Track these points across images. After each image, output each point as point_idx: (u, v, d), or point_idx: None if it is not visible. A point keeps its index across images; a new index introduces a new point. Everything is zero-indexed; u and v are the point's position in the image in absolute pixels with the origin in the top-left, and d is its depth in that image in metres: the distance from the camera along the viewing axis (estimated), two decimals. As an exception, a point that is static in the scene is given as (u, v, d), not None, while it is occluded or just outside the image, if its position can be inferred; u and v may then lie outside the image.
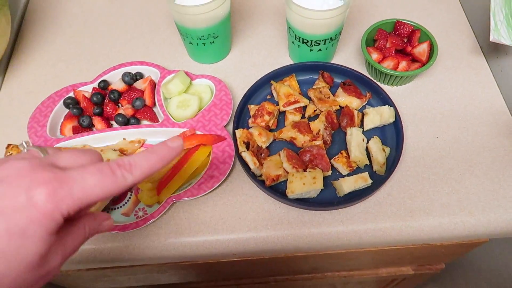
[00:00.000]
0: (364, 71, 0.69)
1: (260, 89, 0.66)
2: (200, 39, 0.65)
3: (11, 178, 0.27)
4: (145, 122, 0.65)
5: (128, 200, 0.58)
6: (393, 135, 0.60)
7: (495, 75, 0.67)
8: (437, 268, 0.81)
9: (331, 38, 0.62)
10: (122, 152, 0.60)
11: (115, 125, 0.64)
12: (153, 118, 0.64)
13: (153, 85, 0.66)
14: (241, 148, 0.57)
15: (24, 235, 0.26)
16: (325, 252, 0.62)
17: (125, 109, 0.64)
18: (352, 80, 0.65)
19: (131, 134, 0.62)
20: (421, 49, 0.63)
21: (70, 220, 0.31)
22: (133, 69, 0.67)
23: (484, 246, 0.82)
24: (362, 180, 0.55)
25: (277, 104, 0.63)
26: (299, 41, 0.63)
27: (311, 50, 0.64)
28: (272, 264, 0.70)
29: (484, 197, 0.55)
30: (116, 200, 0.58)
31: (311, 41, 0.62)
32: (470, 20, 0.74)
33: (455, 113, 0.63)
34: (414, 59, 0.64)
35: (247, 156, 0.57)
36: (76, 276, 0.71)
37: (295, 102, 0.61)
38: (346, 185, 0.55)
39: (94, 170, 0.29)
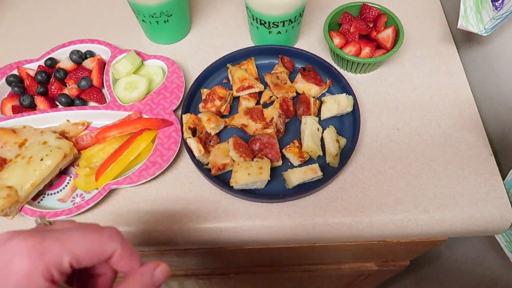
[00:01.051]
0: (328, 57, 0.65)
1: (215, 73, 0.62)
2: (153, 17, 0.61)
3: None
4: (92, 103, 0.61)
5: (66, 185, 0.55)
6: (351, 125, 0.57)
7: (465, 65, 0.63)
8: (402, 264, 0.78)
9: (290, 20, 0.58)
10: (63, 134, 0.57)
11: (60, 106, 0.60)
12: (100, 100, 0.60)
13: (102, 65, 0.62)
14: (186, 134, 0.54)
15: None
16: (276, 246, 0.59)
17: (70, 89, 0.60)
18: (314, 66, 0.62)
19: (75, 115, 0.58)
20: (385, 35, 0.59)
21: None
22: (83, 47, 0.63)
23: (454, 242, 0.80)
24: (312, 172, 0.52)
25: (231, 88, 0.60)
26: (257, 22, 0.59)
27: (269, 32, 0.60)
28: (226, 255, 0.67)
29: (441, 194, 0.52)
30: (53, 185, 0.55)
31: (269, 22, 0.58)
32: (444, 5, 0.70)
33: (419, 103, 0.60)
34: (379, 46, 0.61)
35: (192, 142, 0.53)
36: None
37: (249, 87, 0.58)
38: (295, 176, 0.51)
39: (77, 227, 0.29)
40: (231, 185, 0.50)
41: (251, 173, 0.50)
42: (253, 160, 0.52)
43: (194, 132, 0.55)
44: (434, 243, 0.61)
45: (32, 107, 0.59)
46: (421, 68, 0.63)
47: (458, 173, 0.54)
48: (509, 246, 0.56)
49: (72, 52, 0.61)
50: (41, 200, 0.54)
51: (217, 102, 0.57)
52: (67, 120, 0.59)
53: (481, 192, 0.52)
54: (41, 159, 0.51)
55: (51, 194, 0.54)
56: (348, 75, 0.63)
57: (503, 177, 0.53)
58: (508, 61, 0.56)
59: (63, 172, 0.56)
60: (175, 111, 0.58)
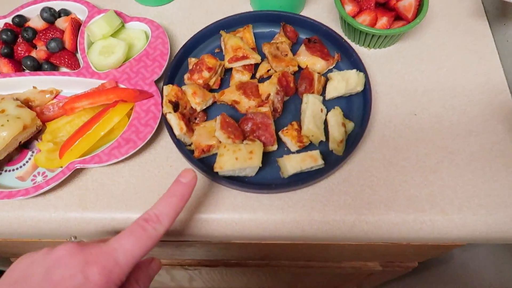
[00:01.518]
0: (338, 28, 0.56)
1: (207, 40, 0.54)
2: (137, -29, 0.52)
3: (65, 259, 0.31)
4: (63, 69, 0.53)
5: (27, 161, 0.48)
6: (360, 107, 0.49)
7: (498, 45, 0.54)
8: (409, 266, 0.71)
9: (295, -20, 0.49)
10: (27, 103, 0.49)
11: (27, 70, 0.53)
12: (73, 65, 0.52)
13: (77, 25, 0.54)
14: (166, 108, 0.46)
15: None
16: (267, 242, 0.51)
17: (38, 51, 0.52)
18: (320, 38, 0.53)
19: (42, 81, 0.51)
20: (406, 3, 0.50)
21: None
22: (57, 5, 0.55)
23: (469, 244, 0.72)
24: (311, 160, 0.44)
25: (224, 59, 0.51)
26: (256, -19, 0.51)
27: (271, -6, 0.52)
28: (211, 248, 0.60)
29: (463, 192, 0.44)
30: (12, 160, 0.48)
31: (271, -18, 0.49)
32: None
33: (442, 86, 0.51)
34: (398, 16, 0.52)
35: (172, 118, 0.45)
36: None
37: (244, 57, 0.50)
38: (291, 164, 0.44)
39: (127, 234, 0.33)
40: (215, 170, 0.43)
41: (240, 158, 0.42)
42: (242, 143, 0.44)
43: (176, 106, 0.47)
44: (449, 247, 0.53)
45: (-7, 70, 0.51)
46: (446, 45, 0.54)
47: (485, 170, 0.45)
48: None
49: (44, 9, 0.53)
50: (-3, 177, 0.47)
51: (205, 74, 0.49)
52: (34, 87, 0.51)
53: (511, 194, 0.44)
54: (-5, 130, 0.44)
55: (10, 170, 0.47)
56: (360, 50, 0.54)
57: (538, 177, 0.45)
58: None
59: (25, 146, 0.48)
60: (156, 82, 0.50)
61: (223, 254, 0.66)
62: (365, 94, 0.48)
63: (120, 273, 0.31)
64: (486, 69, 0.52)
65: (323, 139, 0.46)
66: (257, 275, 0.99)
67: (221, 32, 0.53)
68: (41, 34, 0.53)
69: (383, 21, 0.51)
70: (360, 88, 0.48)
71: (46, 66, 0.52)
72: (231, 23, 0.54)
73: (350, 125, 0.47)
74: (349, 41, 0.55)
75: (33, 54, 0.52)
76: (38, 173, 0.47)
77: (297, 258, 0.70)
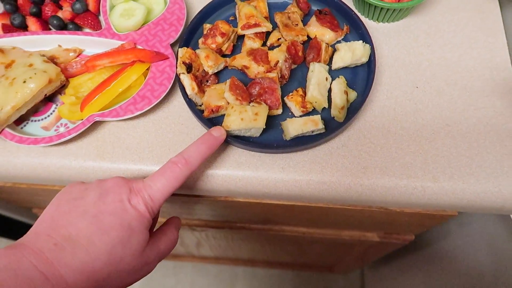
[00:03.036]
0: (349, 1, 0.58)
1: (222, 8, 0.56)
2: None
3: (114, 188, 0.38)
4: (87, 30, 0.57)
5: (51, 113, 0.52)
6: (364, 79, 0.51)
7: (506, 23, 0.55)
8: (406, 238, 0.74)
9: (309, -49, 0.51)
10: (53, 59, 0.53)
11: (53, 29, 0.56)
12: (95, 26, 0.56)
13: (100, -11, 0.57)
14: (180, 69, 0.49)
15: (131, 228, 0.36)
16: (268, 202, 0.55)
17: (64, 11, 0.56)
18: (331, 10, 0.55)
19: (67, 40, 0.54)
20: (417, -23, 0.51)
21: (160, 230, 0.43)
22: (82, -32, 0.58)
23: (465, 220, 0.74)
24: (312, 124, 0.46)
25: (237, 26, 0.54)
26: (271, -49, 0.52)
27: (285, -35, 0.53)
28: (216, 206, 0.64)
29: (456, 162, 0.47)
30: (38, 111, 0.52)
31: (284, -48, 0.51)
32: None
33: (446, 62, 0.53)
34: (409, -9, 0.53)
35: (185, 78, 0.49)
36: (12, 191, 0.67)
37: (256, 25, 0.52)
38: (293, 127, 0.47)
39: (159, 175, 0.39)
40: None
41: (245, 119, 0.45)
42: (249, 105, 0.47)
43: (189, 68, 0.50)
44: (442, 217, 0.56)
45: (23, 27, 0.55)
46: (455, 22, 0.55)
47: (479, 142, 0.48)
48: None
49: (69, -28, 0.56)
50: (25, 126, 0.51)
51: (219, 39, 0.51)
52: (59, 45, 0.55)
53: (503, 166, 0.46)
54: (24, 81, 0.48)
55: (35, 121, 0.51)
56: (369, 23, 0.56)
57: (531, 152, 0.47)
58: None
59: (50, 99, 0.52)
60: (172, 45, 0.53)
61: (227, 214, 0.70)
62: (370, 66, 0.50)
63: (154, 207, 0.38)
64: (491, 47, 0.53)
65: (326, 106, 0.49)
66: (261, 244, 1.04)
67: (236, 0, 0.55)
68: (67, -4, 0.56)
69: (393, -5, 0.52)
70: (365, 59, 0.50)
71: (70, 26, 0.55)
72: (246, -8, 0.56)
73: (353, 94, 0.49)
74: (359, 14, 0.56)
75: (59, 14, 0.55)
76: (61, 124, 0.51)
77: (298, 223, 0.73)
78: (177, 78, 0.50)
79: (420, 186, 0.46)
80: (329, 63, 0.52)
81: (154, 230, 0.43)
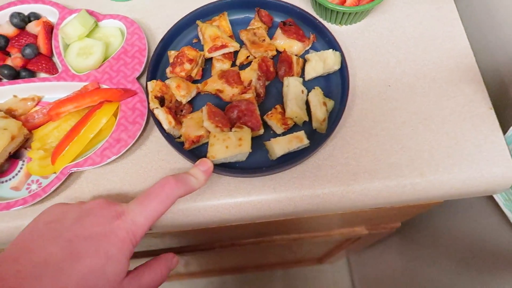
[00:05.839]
0: (309, 7, 0.58)
1: (183, 31, 0.55)
2: (104, -33, 0.52)
3: (95, 210, 0.36)
4: (42, 74, 0.53)
5: (19, 171, 0.48)
6: (339, 85, 0.51)
7: (460, 11, 0.57)
8: (393, 226, 0.76)
9: (264, -35, 0.50)
10: (10, 112, 0.49)
11: (4, 79, 0.52)
12: (51, 70, 0.52)
13: (50, 29, 0.53)
14: (153, 104, 0.47)
15: (108, 256, 0.33)
16: (262, 221, 0.54)
17: (14, 59, 0.52)
18: (294, 20, 0.54)
19: (23, 90, 0.51)
20: (373, -22, 0.52)
21: (146, 264, 0.39)
22: (25, 9, 0.54)
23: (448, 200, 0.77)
24: (297, 140, 0.46)
25: (203, 49, 0.52)
26: (225, -31, 0.51)
27: (241, -19, 0.52)
28: (208, 232, 0.63)
29: (438, 154, 0.48)
30: (4, 171, 0.48)
31: (240, -32, 0.50)
32: None
33: (412, 56, 0.54)
34: (366, -8, 0.54)
35: (160, 113, 0.47)
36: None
37: (223, 46, 0.51)
38: (279, 146, 0.46)
39: (145, 197, 0.37)
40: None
41: (230, 146, 0.44)
42: (231, 131, 0.46)
43: (162, 101, 0.48)
44: (429, 205, 0.58)
45: (-30, 82, 0.51)
46: (413, 15, 0.57)
47: (456, 131, 0.49)
48: (508, 205, 0.53)
49: (12, 15, 0.52)
50: (-8, 189, 0.47)
51: (187, 66, 0.50)
52: (14, 96, 0.51)
53: (481, 150, 0.48)
54: (-16, 144, 0.44)
55: (3, 182, 0.48)
56: (332, 27, 0.56)
57: (504, 132, 0.49)
58: (506, 4, 0.50)
59: (15, 156, 0.49)
60: (138, 78, 0.51)
61: (218, 237, 0.69)
62: (342, 72, 0.50)
63: (137, 233, 0.36)
64: (451, 35, 0.55)
65: (306, 119, 0.49)
66: (250, 253, 1.04)
67: (198, 22, 0.54)
68: (13, 41, 0.52)
69: (352, -2, 0.53)
70: (337, 67, 0.50)
71: (24, 73, 0.51)
72: (206, 12, 0.54)
73: (331, 103, 0.49)
74: (321, 19, 0.56)
75: (9, 62, 0.51)
76: (32, 181, 0.48)
77: (289, 231, 0.73)
78: (151, 113, 0.48)
79: (409, 183, 0.47)
80: (302, 74, 0.52)
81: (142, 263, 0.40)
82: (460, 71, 0.53)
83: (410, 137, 0.49)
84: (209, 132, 0.47)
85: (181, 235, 0.64)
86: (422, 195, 0.48)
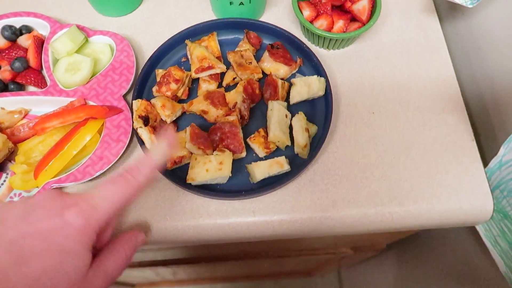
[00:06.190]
0: (299, 31, 0.58)
1: (172, 50, 0.55)
2: (96, -15, 0.52)
3: (44, 202, 0.31)
4: (31, 88, 0.54)
5: (2, 184, 0.49)
6: (323, 110, 0.52)
7: (448, 39, 0.58)
8: (377, 248, 0.76)
9: (253, -11, 0.51)
10: (-3, 125, 0.50)
11: (-7, 91, 0.53)
12: (40, 83, 0.53)
13: (40, 43, 0.54)
14: (137, 123, 0.47)
15: (64, 252, 0.29)
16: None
17: (3, 71, 0.52)
18: (283, 43, 0.55)
19: (10, 102, 0.51)
20: (360, 6, 0.52)
21: (108, 248, 0.36)
22: (17, 22, 0.55)
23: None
24: (278, 166, 0.46)
25: (190, 69, 0.53)
26: (216, -9, 0.52)
27: (231, 3, 0.53)
28: (190, 249, 0.63)
29: (418, 184, 0.48)
30: (-13, 184, 0.48)
31: (229, -8, 0.51)
32: (428, -29, 0.63)
33: (397, 83, 0.54)
34: (354, 18, 0.54)
35: (143, 133, 0.47)
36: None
37: (209, 68, 0.51)
38: (259, 171, 0.46)
39: (107, 182, 0.33)
40: (188, 182, 0.45)
41: (210, 169, 0.45)
42: (213, 154, 0.47)
43: (146, 120, 0.48)
44: (411, 230, 0.58)
45: (-42, 93, 0.51)
46: (400, 43, 0.57)
47: (437, 161, 0.50)
48: (488, 235, 0.54)
49: (4, 28, 0.53)
50: (-26, 201, 0.48)
51: (173, 86, 0.50)
52: (1, 108, 0.51)
53: (461, 182, 0.48)
54: (-33, 157, 0.44)
55: (-14, 194, 0.48)
56: (320, 52, 0.56)
57: (485, 165, 0.49)
58: (493, 35, 0.51)
59: (-1, 169, 0.49)
60: (125, 96, 0.51)
61: (202, 252, 0.69)
62: (327, 98, 0.50)
63: (99, 219, 0.31)
64: (437, 64, 0.56)
65: (289, 143, 0.49)
66: (239, 265, 1.04)
67: (187, 41, 0.54)
68: (4, 54, 0.53)
69: (339, 24, 0.53)
70: (321, 92, 0.51)
71: (12, 86, 0.52)
72: (196, 32, 0.55)
73: (314, 129, 0.50)
74: (309, 43, 0.57)
75: (-2, 74, 0.52)
76: (15, 194, 0.48)
77: (273, 250, 0.74)
78: (135, 132, 0.48)
79: (387, 212, 0.47)
80: (287, 98, 0.52)
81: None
82: (444, 101, 0.53)
83: (391, 166, 0.49)
84: (192, 153, 0.47)
85: (165, 250, 0.64)
86: (400, 224, 0.48)
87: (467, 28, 0.56)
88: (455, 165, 0.49)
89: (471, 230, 0.63)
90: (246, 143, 0.49)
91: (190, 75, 0.52)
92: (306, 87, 0.50)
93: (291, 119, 0.50)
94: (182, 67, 0.53)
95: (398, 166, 0.49)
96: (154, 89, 0.51)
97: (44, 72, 0.53)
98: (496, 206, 0.48)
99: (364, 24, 0.53)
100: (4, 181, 0.49)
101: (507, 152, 0.44)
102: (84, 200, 0.31)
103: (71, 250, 0.30)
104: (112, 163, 0.47)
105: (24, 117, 0.52)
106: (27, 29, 0.55)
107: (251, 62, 0.53)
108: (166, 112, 0.49)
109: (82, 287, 0.31)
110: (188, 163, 0.48)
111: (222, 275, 1.30)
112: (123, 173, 0.34)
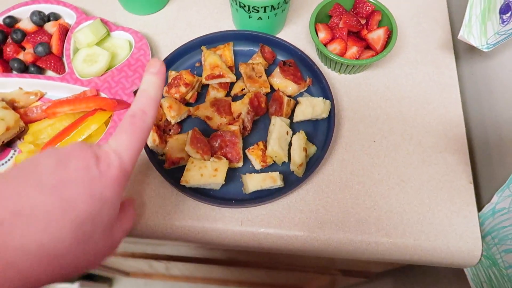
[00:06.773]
0: (314, 50, 0.59)
1: (188, 54, 0.57)
2: (125, -17, 0.55)
3: (76, 153, 0.30)
4: (50, 72, 0.56)
5: (10, 159, 0.51)
6: (325, 132, 0.52)
7: (462, 77, 0.58)
8: (367, 275, 0.75)
9: (272, 7, 0.52)
10: (13, 103, 0.52)
11: (14, 71, 0.55)
12: (59, 69, 0.55)
13: (65, 31, 0.56)
14: (142, 121, 0.49)
15: (102, 200, 0.29)
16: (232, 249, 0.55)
17: (26, 54, 0.55)
18: (295, 61, 0.56)
19: (29, 84, 0.54)
20: (375, 36, 0.53)
21: (123, 208, 0.36)
22: (47, 8, 0.58)
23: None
24: (271, 180, 0.47)
25: (202, 75, 0.54)
26: (236, 3, 0.53)
27: (249, 17, 0.54)
28: (184, 246, 0.64)
29: (409, 218, 0.48)
30: (-6, 158, 0.51)
31: (248, 6, 0.52)
32: (451, 6, 0.63)
33: (403, 116, 0.54)
34: (368, 46, 0.55)
35: (146, 131, 0.49)
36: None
37: (220, 76, 0.53)
38: (252, 183, 0.47)
39: (122, 133, 0.32)
40: (181, 183, 0.46)
41: (204, 174, 0.46)
42: (210, 159, 0.48)
43: (151, 119, 0.50)
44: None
45: (-18, 69, 0.54)
46: (412, 75, 0.57)
47: (431, 198, 0.49)
48: (475, 280, 0.53)
49: (33, 13, 0.56)
50: (-20, 172, 0.50)
51: (182, 89, 0.52)
52: (20, 88, 0.54)
53: (452, 223, 0.48)
54: (-21, 130, 0.47)
55: (-8, 167, 0.50)
56: (331, 74, 0.57)
57: (480, 209, 0.49)
58: (506, 82, 0.51)
59: (8, 145, 0.52)
60: (136, 92, 0.53)
61: (192, 253, 0.70)
62: (329, 122, 0.51)
63: (128, 169, 0.32)
64: (446, 102, 0.56)
65: (286, 160, 0.50)
66: (229, 270, 1.04)
67: (202, 47, 0.56)
68: (29, 37, 0.55)
69: (353, 50, 0.54)
70: (325, 115, 0.51)
71: (32, 69, 0.54)
72: (213, 40, 0.56)
73: (312, 149, 0.51)
74: (321, 64, 0.58)
75: (21, 56, 0.55)
76: (19, 171, 0.50)
77: (263, 261, 0.74)
78: (139, 128, 0.50)
79: (373, 242, 0.47)
80: (292, 115, 0.53)
81: None
82: (447, 139, 0.53)
83: (384, 196, 0.50)
84: (189, 156, 0.48)
85: (155, 245, 0.65)
86: (385, 256, 0.48)
87: (483, 70, 0.55)
88: (449, 205, 0.49)
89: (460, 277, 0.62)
90: (244, 153, 0.50)
91: (201, 81, 0.54)
92: (311, 108, 0.51)
93: (291, 137, 0.51)
94: (195, 72, 0.55)
95: (391, 198, 0.49)
96: (164, 89, 0.53)
97: (64, 59, 0.55)
98: (486, 252, 0.47)
99: (377, 54, 0.53)
100: (11, 157, 0.51)
101: (500, 201, 0.44)
102: (112, 152, 0.31)
103: (108, 199, 0.30)
104: (113, 155, 0.49)
105: (39, 99, 0.54)
106: (55, 17, 0.57)
107: (261, 76, 0.54)
108: (172, 113, 0.51)
109: (110, 236, 0.32)
110: (185, 165, 0.49)
111: (215, 277, 1.31)
112: (133, 120, 0.33)
